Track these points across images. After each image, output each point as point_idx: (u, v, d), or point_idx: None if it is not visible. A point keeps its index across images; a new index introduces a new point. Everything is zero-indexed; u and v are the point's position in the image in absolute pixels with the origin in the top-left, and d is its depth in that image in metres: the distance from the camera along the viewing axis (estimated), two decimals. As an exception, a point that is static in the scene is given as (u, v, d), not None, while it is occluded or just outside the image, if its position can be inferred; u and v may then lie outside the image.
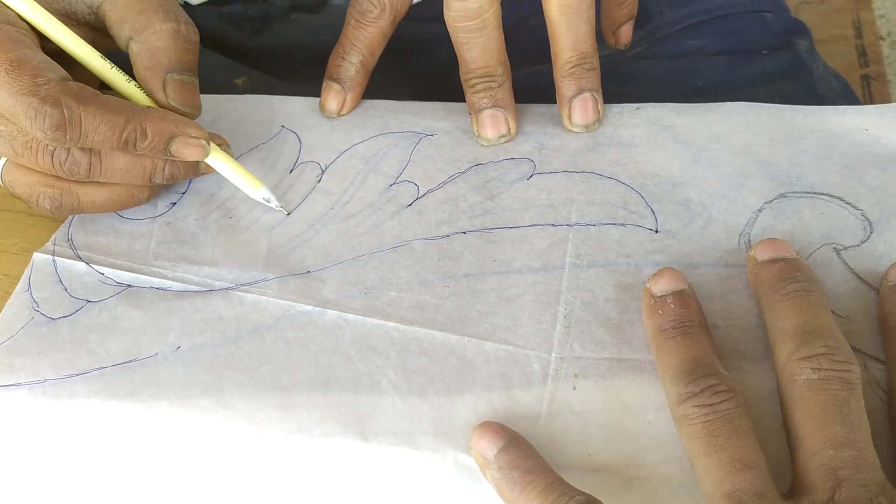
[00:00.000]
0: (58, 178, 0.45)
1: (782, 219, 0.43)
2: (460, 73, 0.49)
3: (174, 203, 0.49)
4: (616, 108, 0.50)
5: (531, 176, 0.47)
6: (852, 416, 0.34)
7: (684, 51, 0.58)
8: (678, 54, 0.58)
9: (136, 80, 0.46)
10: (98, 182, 0.46)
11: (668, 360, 0.38)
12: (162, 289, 0.45)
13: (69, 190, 0.45)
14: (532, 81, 0.51)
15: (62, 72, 0.42)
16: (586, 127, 0.49)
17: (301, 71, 0.63)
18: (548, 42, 0.48)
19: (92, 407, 0.41)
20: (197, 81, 0.46)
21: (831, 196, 0.44)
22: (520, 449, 0.37)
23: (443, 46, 0.51)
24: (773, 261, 0.40)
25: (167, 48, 0.45)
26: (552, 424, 0.38)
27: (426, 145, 0.50)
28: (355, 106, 0.53)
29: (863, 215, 0.43)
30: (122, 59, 0.46)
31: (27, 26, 0.44)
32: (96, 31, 0.47)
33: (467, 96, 0.49)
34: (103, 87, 0.46)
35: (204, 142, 0.45)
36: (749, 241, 0.43)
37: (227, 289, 0.44)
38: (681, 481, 0.36)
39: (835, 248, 0.42)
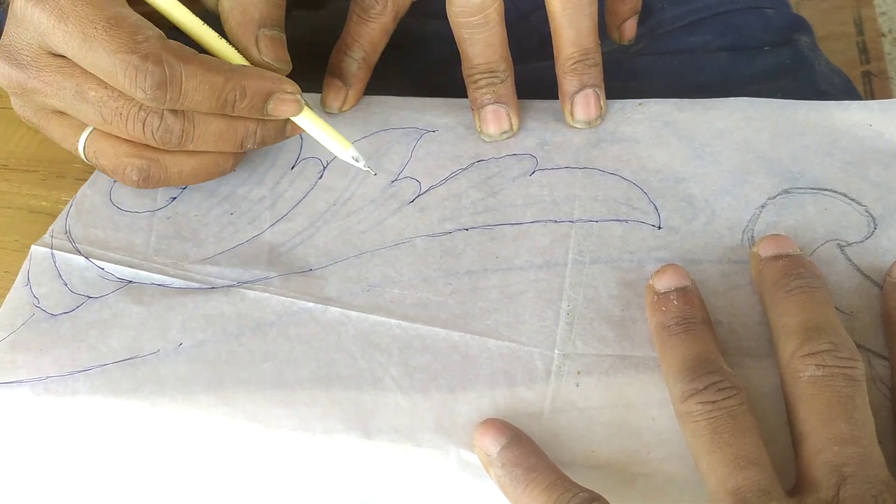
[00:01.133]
0: (147, 147, 0.44)
1: (785, 215, 0.43)
2: (462, 69, 0.49)
3: (174, 198, 0.49)
4: (618, 104, 0.49)
5: (533, 172, 0.47)
6: (857, 412, 0.34)
7: (686, 47, 0.58)
8: (680, 50, 0.58)
9: (226, 38, 0.45)
10: (187, 151, 0.45)
11: (672, 357, 0.37)
12: (163, 285, 0.45)
13: (157, 160, 0.45)
14: (534, 77, 0.51)
15: (158, 30, 0.42)
16: (588, 123, 0.48)
17: (301, 68, 0.63)
18: (549, 38, 0.47)
19: (94, 404, 0.41)
20: (285, 37, 0.46)
21: (835, 192, 0.44)
22: (523, 446, 0.37)
23: (444, 43, 0.51)
24: (777, 257, 0.39)
25: (258, 3, 0.44)
26: (555, 421, 0.38)
27: (428, 141, 0.50)
28: (357, 102, 0.52)
29: (866, 211, 0.43)
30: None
31: None
32: None
33: (469, 92, 0.49)
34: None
35: (300, 97, 0.44)
36: (752, 237, 0.43)
37: (228, 286, 0.44)
38: (684, 478, 0.36)
39: (838, 244, 0.42)
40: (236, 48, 0.45)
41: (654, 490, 0.36)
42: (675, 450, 0.37)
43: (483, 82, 0.48)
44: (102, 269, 0.46)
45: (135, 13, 0.42)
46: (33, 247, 0.47)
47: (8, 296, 0.45)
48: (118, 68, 0.40)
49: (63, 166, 0.54)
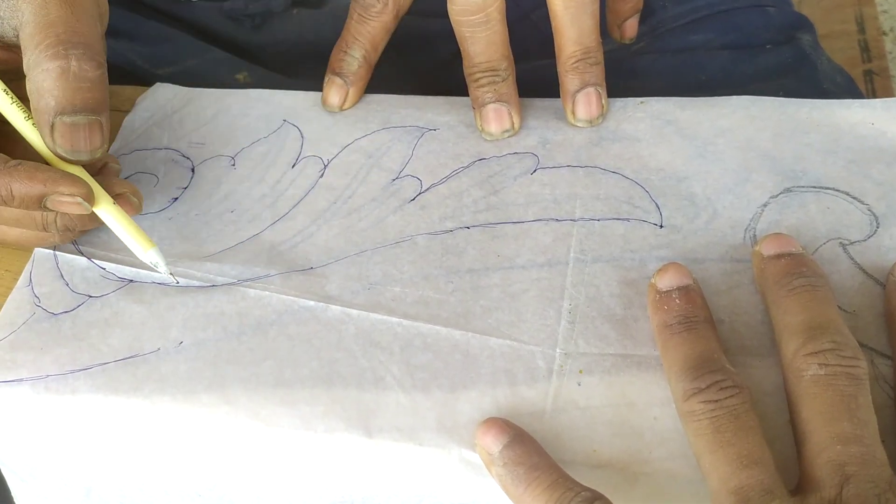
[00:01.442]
0: None
1: (788, 213, 0.43)
2: (464, 68, 0.49)
3: (175, 198, 0.49)
4: (620, 103, 0.49)
5: (535, 171, 0.47)
6: (860, 411, 0.34)
7: (688, 45, 0.58)
8: (681, 49, 0.57)
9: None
10: (5, 223, 0.44)
11: (674, 356, 0.37)
12: (164, 284, 0.45)
13: None
14: (535, 76, 0.51)
15: None
16: (590, 122, 0.48)
17: (302, 67, 0.63)
18: (550, 37, 0.47)
19: (94, 402, 0.41)
20: (101, 119, 0.42)
21: (837, 190, 0.44)
22: (525, 445, 0.37)
23: (445, 41, 0.50)
24: (779, 256, 0.39)
25: (54, 89, 0.41)
26: (557, 420, 0.38)
27: (429, 140, 0.50)
28: (357, 100, 0.52)
29: (869, 210, 0.43)
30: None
31: None
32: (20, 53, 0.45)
33: (471, 91, 0.49)
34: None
35: (80, 199, 0.42)
36: (754, 235, 0.43)
37: (229, 284, 0.44)
38: (686, 477, 0.36)
39: (841, 242, 0.42)
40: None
41: (656, 489, 0.36)
42: (678, 449, 0.37)
43: (484, 81, 0.48)
44: (104, 269, 0.46)
45: None
46: (36, 248, 0.47)
47: (10, 296, 0.45)
48: None
49: (63, 165, 0.54)
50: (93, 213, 0.43)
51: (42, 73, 0.41)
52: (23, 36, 0.42)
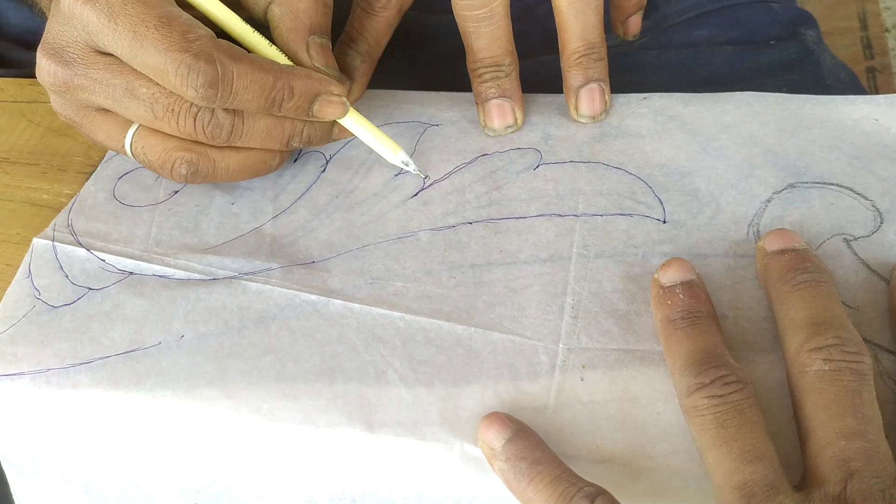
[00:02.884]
0: (195, 142, 0.44)
1: (791, 209, 0.43)
2: (467, 63, 0.48)
3: (177, 191, 0.49)
4: (623, 98, 0.49)
5: (538, 166, 0.47)
6: (864, 407, 0.34)
7: (691, 41, 0.57)
8: (685, 44, 0.57)
9: (276, 45, 0.45)
10: (235, 147, 0.45)
11: (677, 351, 0.37)
12: (164, 276, 0.44)
13: (206, 154, 0.45)
14: (538, 71, 0.50)
15: (210, 30, 0.42)
16: (593, 118, 0.48)
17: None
18: (554, 32, 0.47)
19: (95, 396, 0.40)
20: (331, 45, 0.46)
21: (841, 186, 0.43)
22: (527, 440, 0.36)
23: (448, 37, 0.50)
24: (783, 251, 0.39)
25: (309, 10, 0.45)
26: (560, 415, 0.38)
27: (431, 135, 0.50)
28: (360, 96, 0.52)
29: (873, 206, 0.43)
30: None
31: None
32: (228, 2, 0.46)
33: (474, 86, 0.49)
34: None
35: (345, 99, 0.45)
36: (758, 231, 0.43)
37: (230, 277, 0.44)
38: (690, 472, 0.36)
39: (845, 238, 0.42)
40: (286, 54, 0.45)
41: (659, 484, 0.36)
42: (681, 444, 0.37)
43: (487, 76, 0.48)
44: (104, 260, 0.45)
45: (185, 13, 0.42)
46: (35, 239, 0.47)
47: (9, 288, 0.45)
48: (169, 67, 0.40)
49: (64, 160, 0.54)
50: (338, 124, 0.47)
51: None
52: None
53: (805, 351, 0.35)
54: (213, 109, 0.43)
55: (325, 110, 0.44)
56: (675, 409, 0.37)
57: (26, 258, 0.46)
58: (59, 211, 0.49)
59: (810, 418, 0.35)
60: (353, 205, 0.47)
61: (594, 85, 0.48)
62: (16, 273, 0.46)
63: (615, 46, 0.53)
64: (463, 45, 0.48)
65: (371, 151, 0.49)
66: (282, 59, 0.45)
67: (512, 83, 0.48)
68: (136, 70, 0.42)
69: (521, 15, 0.50)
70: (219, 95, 0.41)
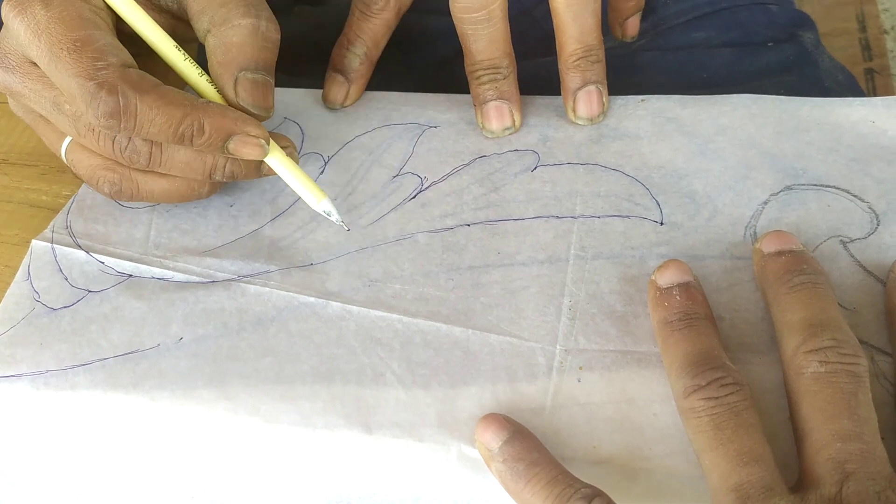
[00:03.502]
0: (119, 163, 0.44)
1: (788, 211, 0.43)
2: (465, 65, 0.49)
3: (176, 193, 0.49)
4: (621, 100, 0.49)
5: (535, 168, 0.47)
6: (860, 409, 0.34)
7: (689, 43, 0.57)
8: (683, 46, 0.57)
9: (208, 75, 0.44)
10: (159, 172, 0.45)
11: (674, 353, 0.37)
12: (163, 279, 0.45)
13: (129, 176, 0.45)
14: (536, 72, 0.51)
15: (126, 57, 0.41)
16: (591, 120, 0.48)
17: (303, 64, 0.62)
18: (552, 33, 0.47)
19: (94, 398, 0.41)
20: (272, 81, 0.44)
21: (838, 188, 0.44)
22: (524, 441, 0.37)
23: (447, 39, 0.50)
24: (780, 253, 0.39)
25: (244, 45, 0.43)
26: (557, 417, 0.38)
27: (430, 137, 0.50)
28: (359, 97, 0.52)
29: (869, 207, 0.43)
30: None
31: (103, 4, 0.43)
32: (178, 21, 0.46)
33: (472, 88, 0.49)
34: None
35: (263, 141, 0.43)
36: (755, 233, 0.43)
37: (229, 280, 0.44)
38: (686, 474, 0.36)
39: (841, 240, 0.42)
40: (216, 87, 0.44)
41: (656, 486, 0.36)
42: (678, 446, 0.37)
43: (485, 78, 0.48)
44: (102, 262, 0.46)
45: (107, 37, 0.41)
46: (34, 241, 0.47)
47: (8, 290, 0.45)
48: (76, 92, 0.40)
49: (63, 161, 0.54)
50: (262, 162, 0.45)
51: (232, 29, 0.43)
52: None
53: (801, 353, 0.35)
54: (131, 136, 0.42)
55: (241, 150, 0.42)
56: (672, 410, 0.37)
57: (25, 260, 0.46)
58: (57, 212, 0.49)
59: (806, 420, 0.35)
60: (352, 207, 0.47)
61: (592, 87, 0.48)
62: (14, 274, 0.46)
63: (613, 48, 0.53)
64: (461, 47, 0.48)
65: (370, 153, 0.49)
66: (211, 91, 0.44)
67: (510, 85, 0.48)
68: None
69: (519, 17, 0.50)
70: (121, 126, 0.40)
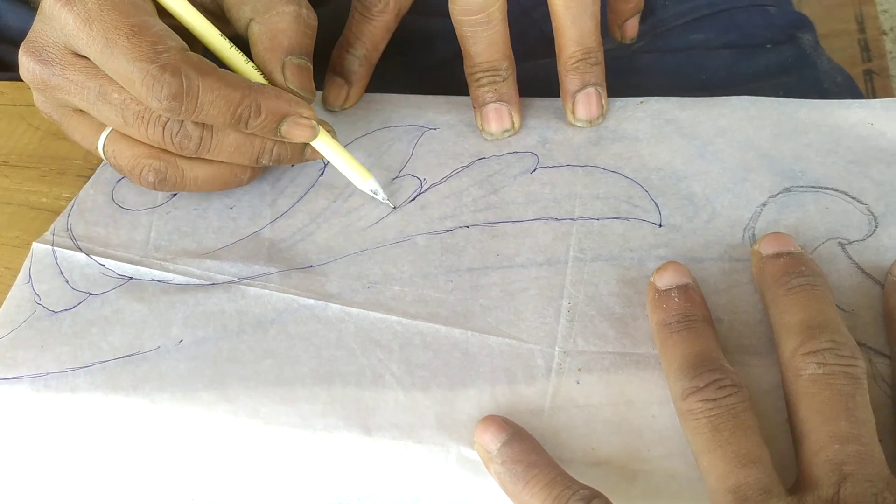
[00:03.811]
0: (165, 150, 0.45)
1: (787, 213, 0.43)
2: (465, 67, 0.49)
3: (175, 194, 0.49)
4: (620, 102, 0.49)
5: (534, 170, 0.47)
6: (858, 411, 0.34)
7: (688, 45, 0.58)
8: (682, 48, 0.57)
9: (253, 62, 0.45)
10: (205, 159, 0.45)
11: (673, 355, 0.37)
12: (164, 282, 0.45)
13: (175, 164, 0.45)
14: (535, 74, 0.51)
15: (182, 42, 0.42)
16: (590, 122, 0.48)
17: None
18: (551, 35, 0.47)
19: (94, 400, 0.41)
20: (311, 66, 0.46)
21: (836, 190, 0.44)
22: (523, 443, 0.37)
23: (446, 41, 0.51)
24: (778, 255, 0.39)
25: (288, 30, 0.45)
26: (556, 418, 0.38)
27: (429, 139, 0.50)
28: (358, 100, 0.52)
29: (868, 210, 0.43)
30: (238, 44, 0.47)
31: None
32: (212, 16, 0.46)
33: (471, 90, 0.49)
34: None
35: (315, 123, 0.44)
36: (753, 235, 0.43)
37: (229, 282, 0.44)
38: (685, 475, 0.36)
39: (840, 242, 0.42)
40: (262, 73, 0.45)
41: (654, 487, 0.36)
42: (676, 447, 0.37)
43: (485, 80, 0.48)
44: (103, 265, 0.46)
45: (160, 23, 0.42)
46: (34, 244, 0.47)
47: (10, 293, 0.45)
48: (136, 76, 0.40)
49: (64, 163, 0.54)
50: (307, 145, 0.46)
51: (277, 16, 0.45)
52: None
53: (799, 354, 0.36)
54: (182, 121, 0.43)
55: (293, 132, 0.44)
56: (670, 412, 0.37)
57: (26, 263, 0.46)
58: (58, 214, 0.49)
59: (804, 422, 0.35)
60: (351, 209, 0.47)
61: (591, 89, 0.48)
62: (15, 276, 0.46)
63: (612, 50, 0.54)
64: (460, 49, 0.48)
65: (370, 155, 0.49)
66: (257, 76, 0.45)
67: (509, 87, 0.48)
68: (108, 75, 0.42)
69: (518, 18, 0.50)
70: (183, 108, 0.41)
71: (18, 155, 0.55)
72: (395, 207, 0.47)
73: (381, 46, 0.52)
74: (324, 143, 0.46)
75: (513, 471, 0.36)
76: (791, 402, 0.36)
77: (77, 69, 0.43)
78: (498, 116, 0.48)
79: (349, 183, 0.48)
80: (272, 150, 0.45)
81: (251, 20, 0.45)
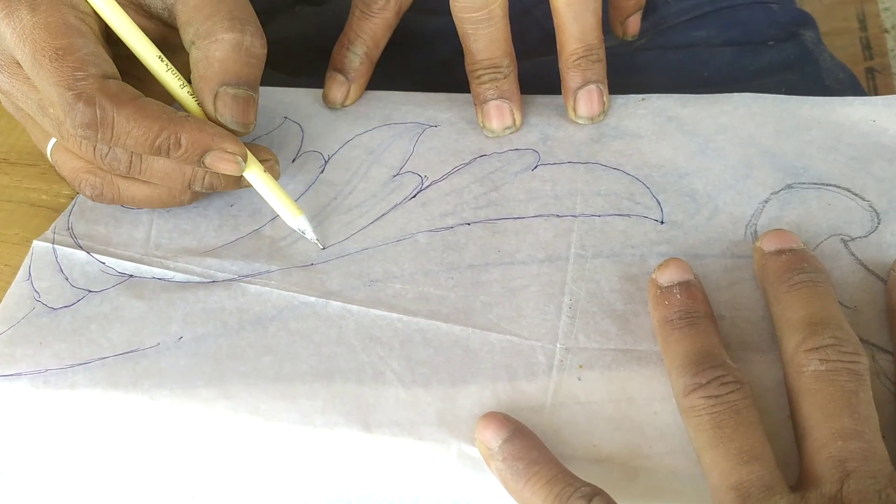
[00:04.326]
0: (101, 168, 0.44)
1: (789, 210, 0.43)
2: (466, 65, 0.49)
3: (176, 193, 0.49)
4: (621, 99, 0.49)
5: (536, 167, 0.47)
6: (860, 407, 0.34)
7: (690, 42, 0.57)
8: (684, 45, 0.57)
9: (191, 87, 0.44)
10: (139, 179, 0.45)
11: (675, 351, 0.37)
12: (164, 279, 0.45)
13: (111, 181, 0.45)
14: (537, 72, 0.51)
15: (108, 67, 0.41)
16: (591, 119, 0.48)
17: (303, 64, 0.63)
18: (552, 33, 0.47)
19: (93, 397, 0.41)
20: (255, 96, 0.44)
21: (838, 187, 0.44)
22: (524, 440, 0.36)
23: (447, 38, 0.50)
24: (780, 251, 0.39)
25: (226, 60, 0.42)
26: (557, 415, 0.38)
27: (430, 136, 0.50)
28: (359, 97, 0.52)
29: (870, 206, 0.43)
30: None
31: (91, 10, 0.43)
32: (169, 28, 0.45)
33: (472, 87, 0.49)
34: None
35: (240, 158, 0.43)
36: (755, 231, 0.43)
37: (229, 280, 0.44)
38: (686, 472, 0.36)
39: (842, 238, 0.42)
40: (196, 100, 0.44)
41: (656, 484, 0.36)
42: (678, 444, 0.37)
43: (486, 77, 0.48)
44: (103, 263, 0.46)
45: (91, 45, 0.41)
46: (35, 242, 0.47)
47: (9, 290, 0.45)
48: (56, 101, 0.40)
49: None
50: (241, 176, 0.44)
51: (215, 43, 0.42)
52: (183, 8, 0.43)
53: (802, 351, 0.35)
54: None
55: (217, 165, 0.42)
56: (672, 409, 0.37)
57: (26, 260, 0.46)
58: (57, 212, 0.49)
59: (807, 418, 0.35)
60: (352, 207, 0.47)
61: (592, 86, 0.48)
62: (14, 273, 0.46)
63: (613, 47, 0.53)
64: (461, 46, 0.48)
65: (371, 152, 0.49)
66: (192, 103, 0.44)
67: (510, 84, 0.48)
68: None
69: (519, 16, 0.50)
70: (98, 136, 0.40)
71: (18, 152, 0.55)
72: (323, 248, 0.45)
73: (382, 44, 0.52)
74: (254, 176, 0.44)
75: (514, 468, 0.36)
76: (793, 399, 0.36)
77: (21, 79, 0.43)
78: (499, 113, 0.48)
79: (349, 180, 0.48)
80: (203, 178, 0.44)
81: (192, 44, 0.43)
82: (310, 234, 0.45)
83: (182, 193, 0.46)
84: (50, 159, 0.46)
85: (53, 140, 0.45)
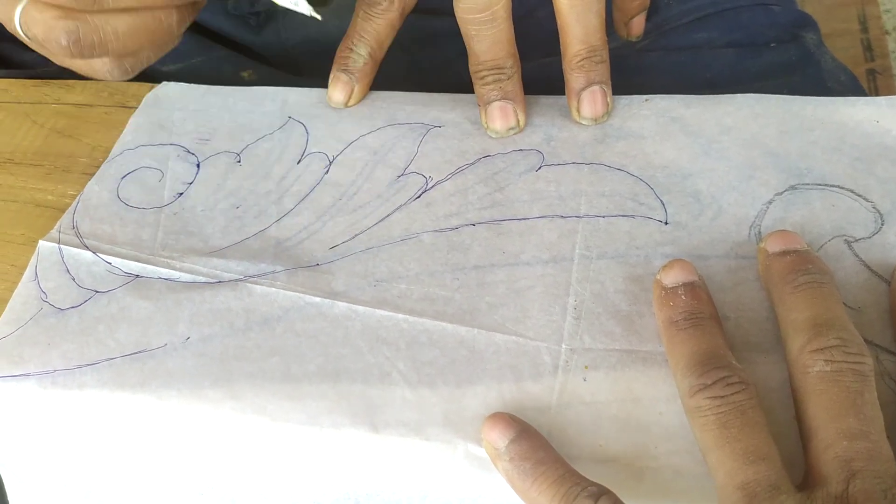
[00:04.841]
0: (75, 10, 0.43)
1: (793, 210, 0.43)
2: (469, 66, 0.49)
3: (181, 193, 0.49)
4: (625, 100, 0.50)
5: (540, 167, 0.47)
6: (866, 407, 0.34)
7: (692, 43, 0.58)
8: (686, 47, 0.58)
9: None
10: (119, 9, 0.43)
11: (680, 352, 0.37)
12: (170, 280, 0.45)
13: (87, 20, 0.43)
14: (540, 73, 0.51)
15: None
16: (595, 120, 0.48)
17: (307, 64, 0.63)
18: (556, 34, 0.48)
19: (101, 397, 0.41)
20: None
21: (842, 188, 0.44)
22: (531, 440, 0.37)
23: (450, 39, 0.51)
24: (784, 252, 0.39)
25: None
26: (563, 415, 0.38)
27: (434, 137, 0.50)
28: (363, 97, 0.53)
29: (874, 207, 0.43)
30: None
31: None
32: None
33: (476, 88, 0.49)
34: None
35: None
36: (759, 232, 0.43)
37: (235, 280, 0.44)
38: (692, 472, 0.36)
39: (846, 239, 0.42)
40: None
41: (662, 484, 0.36)
42: (683, 444, 0.37)
43: (490, 79, 0.48)
44: (110, 263, 0.46)
45: None
46: (41, 242, 0.47)
47: (16, 290, 0.45)
48: None
49: (68, 160, 0.54)
50: None
51: None
52: None
53: (807, 352, 0.36)
54: None
55: None
56: (677, 409, 0.37)
57: (32, 260, 0.46)
58: (63, 212, 0.49)
59: (812, 419, 0.35)
60: (357, 207, 0.47)
61: (596, 87, 0.48)
62: (21, 273, 0.46)
63: (617, 48, 0.54)
64: (465, 47, 0.48)
65: (375, 153, 0.49)
66: None
67: (514, 85, 0.48)
68: None
69: (523, 17, 0.51)
70: None
71: (23, 152, 0.55)
72: (320, 18, 0.43)
73: (386, 44, 0.52)
74: None
75: (521, 468, 0.36)
76: (799, 400, 0.36)
77: None
78: (503, 114, 0.49)
79: (354, 181, 0.48)
80: None
81: None
82: (304, 6, 0.43)
83: (168, 16, 0.44)
84: (19, 29, 0.44)
85: (21, 5, 0.44)
